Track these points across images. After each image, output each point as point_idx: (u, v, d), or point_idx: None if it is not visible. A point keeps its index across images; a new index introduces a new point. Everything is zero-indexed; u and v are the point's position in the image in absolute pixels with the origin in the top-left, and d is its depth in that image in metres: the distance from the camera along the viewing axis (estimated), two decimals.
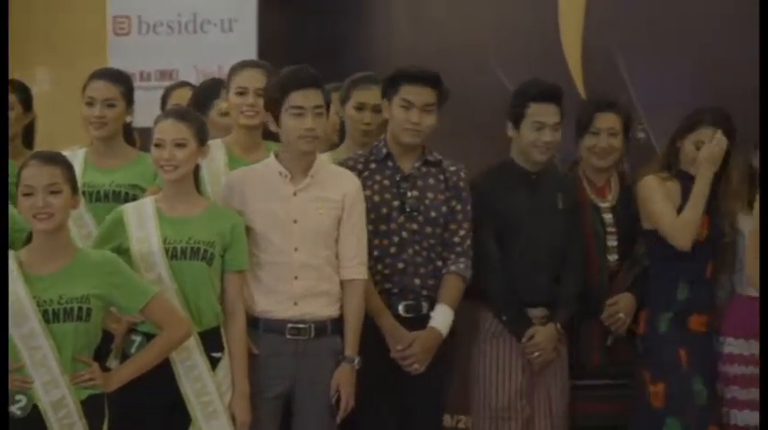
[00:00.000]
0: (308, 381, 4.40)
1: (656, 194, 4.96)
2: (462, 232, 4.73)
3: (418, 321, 4.65)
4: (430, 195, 4.71)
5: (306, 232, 4.41)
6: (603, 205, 5.07)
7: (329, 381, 4.41)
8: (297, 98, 4.36)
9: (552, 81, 4.96)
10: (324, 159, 4.55)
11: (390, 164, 4.72)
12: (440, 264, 4.70)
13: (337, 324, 4.46)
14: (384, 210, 4.65)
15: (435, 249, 4.69)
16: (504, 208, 4.85)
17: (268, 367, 4.37)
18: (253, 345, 4.37)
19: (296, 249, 4.39)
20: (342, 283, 4.48)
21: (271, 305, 4.39)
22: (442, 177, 4.75)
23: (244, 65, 4.91)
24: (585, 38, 5.68)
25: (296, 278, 4.39)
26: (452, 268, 4.69)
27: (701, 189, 4.87)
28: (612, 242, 5.05)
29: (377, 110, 4.96)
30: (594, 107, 5.12)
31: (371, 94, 5.00)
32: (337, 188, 4.48)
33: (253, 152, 4.75)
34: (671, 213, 4.92)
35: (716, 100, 5.18)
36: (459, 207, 4.74)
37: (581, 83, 5.63)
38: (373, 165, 4.72)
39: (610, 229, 5.05)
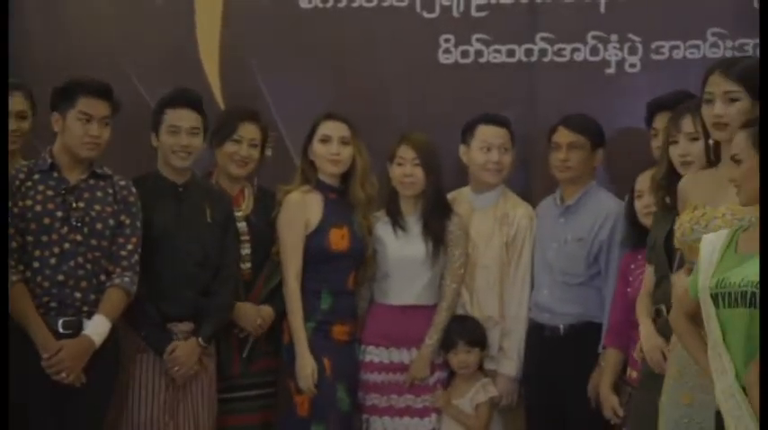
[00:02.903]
0: None
1: (284, 231, 5.06)
2: (130, 246, 4.67)
3: None
4: (97, 207, 4.63)
5: None
6: (237, 214, 5.09)
7: None
8: None
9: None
10: None
11: (55, 175, 4.62)
12: (104, 278, 4.61)
13: None
14: (46, 221, 4.54)
15: (100, 263, 4.61)
16: (149, 220, 4.80)
17: None
18: None
19: None
20: None
21: None
22: (111, 191, 4.69)
23: None
24: (223, 50, 5.66)
25: None
26: (116, 281, 4.61)
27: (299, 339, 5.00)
28: (246, 250, 5.09)
29: (21, 116, 4.96)
30: (237, 116, 5.16)
31: (16, 101, 4.93)
32: None
33: None
34: (294, 264, 5.02)
35: (355, 108, 5.36)
36: (127, 221, 4.69)
37: (220, 94, 5.62)
38: (37, 176, 4.60)
39: (243, 238, 5.08)
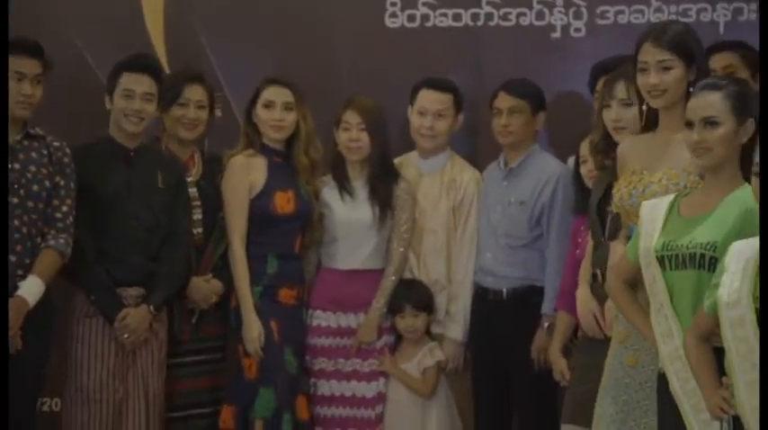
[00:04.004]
0: None
1: (228, 194, 5.05)
2: (65, 208, 4.64)
3: None
4: (32, 169, 4.60)
5: None
6: (188, 180, 5.08)
7: None
8: None
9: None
10: None
11: None
12: (39, 241, 4.58)
13: None
14: None
15: (36, 225, 4.57)
16: (99, 184, 4.78)
17: None
18: None
19: None
20: None
21: None
22: (45, 152, 4.65)
23: None
24: (168, 15, 5.62)
25: None
26: (51, 242, 4.58)
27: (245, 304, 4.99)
28: (197, 215, 5.08)
29: None
30: (182, 79, 5.14)
31: None
32: None
33: None
34: (239, 227, 5.01)
35: (301, 72, 5.34)
36: (62, 182, 4.65)
37: (165, 60, 5.57)
38: None
39: (194, 203, 5.07)
